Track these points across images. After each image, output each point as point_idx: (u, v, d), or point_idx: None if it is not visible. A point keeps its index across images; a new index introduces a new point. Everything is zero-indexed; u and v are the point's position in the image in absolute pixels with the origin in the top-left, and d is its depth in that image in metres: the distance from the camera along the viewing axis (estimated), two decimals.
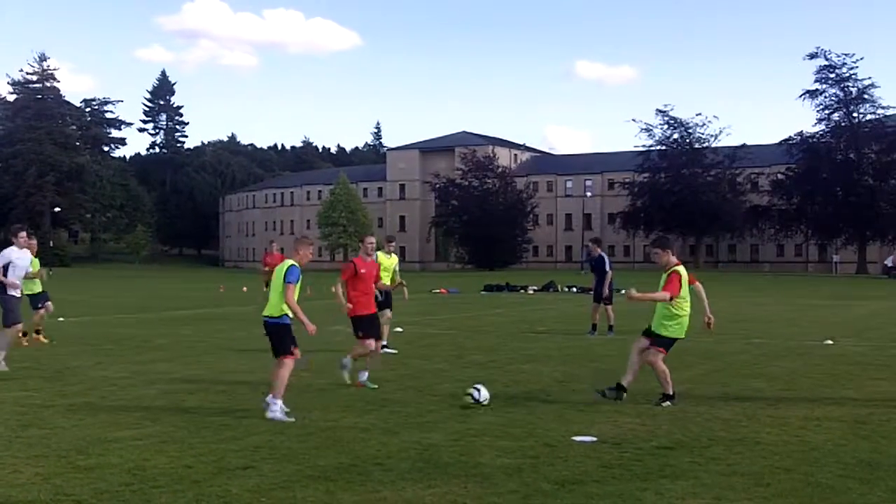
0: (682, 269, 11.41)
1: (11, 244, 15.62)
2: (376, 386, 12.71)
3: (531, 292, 47.65)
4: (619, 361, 15.81)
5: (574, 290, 46.52)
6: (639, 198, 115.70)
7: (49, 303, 19.71)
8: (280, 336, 10.62)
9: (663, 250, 11.60)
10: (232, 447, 8.69)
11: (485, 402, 10.92)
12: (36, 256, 18.74)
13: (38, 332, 19.41)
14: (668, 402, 11.09)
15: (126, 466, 7.89)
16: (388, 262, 17.73)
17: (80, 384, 13.09)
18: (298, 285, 10.62)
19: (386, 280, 17.27)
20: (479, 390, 11.07)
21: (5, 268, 15.24)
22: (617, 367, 15.10)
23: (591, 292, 22.41)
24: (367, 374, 13.06)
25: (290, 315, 10.58)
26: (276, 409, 10.27)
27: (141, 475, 7.59)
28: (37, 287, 18.99)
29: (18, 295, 15.44)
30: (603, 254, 21.96)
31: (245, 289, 47.92)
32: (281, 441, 8.94)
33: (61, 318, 26.67)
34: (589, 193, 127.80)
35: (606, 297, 21.49)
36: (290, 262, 10.73)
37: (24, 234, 15.78)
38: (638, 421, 10.02)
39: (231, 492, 7.06)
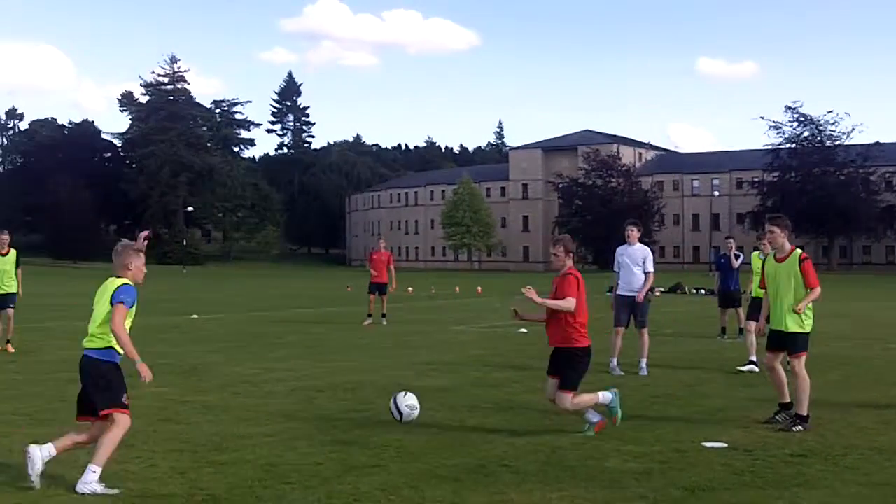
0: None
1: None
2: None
3: (657, 294, 46.98)
4: None
5: (702, 292, 45.75)
6: (769, 197, 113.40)
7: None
8: (108, 378, 7.32)
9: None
10: (361, 445, 8.79)
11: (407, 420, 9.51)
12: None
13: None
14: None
15: (259, 462, 8.05)
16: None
17: (215, 380, 13.42)
18: (133, 311, 7.38)
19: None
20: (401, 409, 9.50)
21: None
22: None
23: (717, 295, 21.85)
24: None
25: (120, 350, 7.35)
26: (92, 480, 7.08)
27: (273, 471, 7.73)
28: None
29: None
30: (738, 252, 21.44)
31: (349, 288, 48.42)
32: (409, 441, 9.01)
33: (195, 316, 27.43)
34: (717, 193, 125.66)
35: (736, 300, 21.08)
36: (122, 280, 7.38)
37: (633, 229, 15.32)
38: (770, 427, 9.79)
39: (360, 489, 7.14)
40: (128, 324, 7.29)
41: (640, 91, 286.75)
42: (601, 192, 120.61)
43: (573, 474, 7.67)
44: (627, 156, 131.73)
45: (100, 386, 7.30)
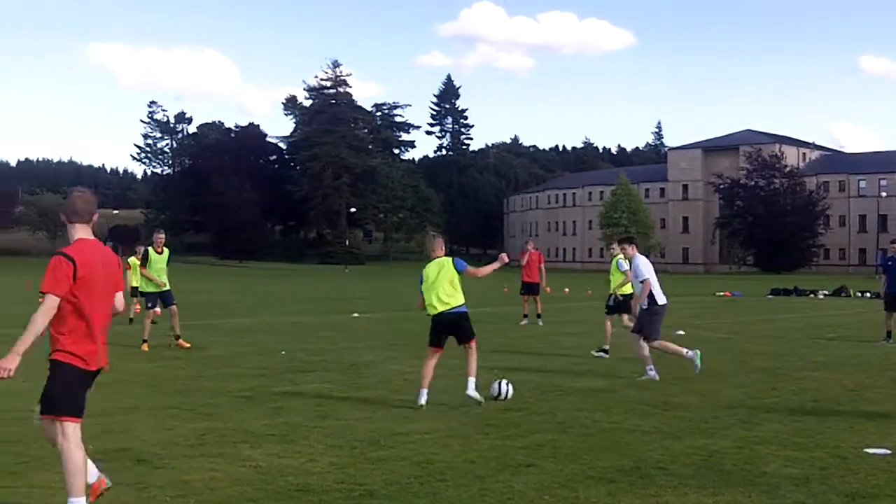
0: None
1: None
2: None
3: (821, 297, 45.77)
4: None
5: (867, 295, 44.18)
6: None
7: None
8: (471, 322, 11.70)
9: None
10: (515, 444, 8.87)
11: (502, 398, 11.22)
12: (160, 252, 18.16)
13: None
14: None
15: (415, 459, 8.20)
16: None
17: (373, 377, 13.71)
18: None
19: None
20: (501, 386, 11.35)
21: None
22: None
23: (882, 298, 21.16)
24: None
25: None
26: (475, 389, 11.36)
27: (428, 468, 7.86)
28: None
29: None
30: None
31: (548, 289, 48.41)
32: (563, 441, 9.05)
33: (356, 315, 27.99)
34: (885, 193, 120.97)
35: None
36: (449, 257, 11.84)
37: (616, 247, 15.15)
38: None
39: (514, 488, 7.21)
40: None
41: (802, 90, 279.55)
42: (763, 194, 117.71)
43: (730, 479, 7.58)
44: (791, 156, 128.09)
45: (470, 327, 11.42)
